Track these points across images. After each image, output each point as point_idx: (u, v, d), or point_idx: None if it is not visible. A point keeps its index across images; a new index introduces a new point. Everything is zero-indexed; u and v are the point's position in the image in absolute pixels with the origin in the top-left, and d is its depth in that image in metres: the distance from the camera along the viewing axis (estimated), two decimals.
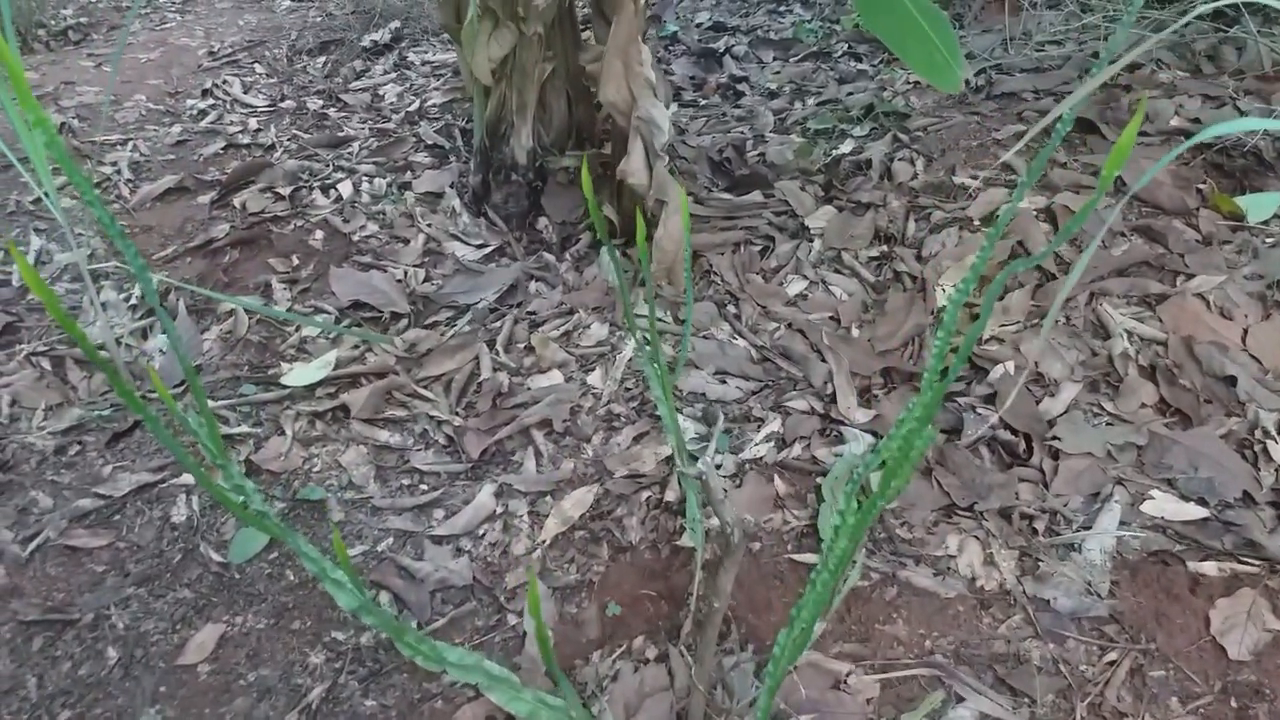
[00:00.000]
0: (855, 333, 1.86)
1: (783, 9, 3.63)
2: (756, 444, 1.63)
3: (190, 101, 3.09)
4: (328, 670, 1.37)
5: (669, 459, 1.61)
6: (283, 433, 1.77)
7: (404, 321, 2.02)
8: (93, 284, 2.17)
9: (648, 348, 1.89)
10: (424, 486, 1.65)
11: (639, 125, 1.90)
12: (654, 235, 1.99)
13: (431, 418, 1.77)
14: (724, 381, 1.78)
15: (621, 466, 1.62)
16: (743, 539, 1.07)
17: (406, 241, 2.29)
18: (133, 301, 2.13)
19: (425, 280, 2.15)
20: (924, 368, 1.73)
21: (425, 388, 1.84)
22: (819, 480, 1.55)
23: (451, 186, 2.46)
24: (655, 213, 2.00)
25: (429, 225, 2.33)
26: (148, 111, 3.04)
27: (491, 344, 1.93)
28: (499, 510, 1.57)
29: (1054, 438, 1.56)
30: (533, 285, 2.11)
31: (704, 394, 1.75)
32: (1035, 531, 1.44)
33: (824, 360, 1.79)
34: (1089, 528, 1.43)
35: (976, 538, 1.43)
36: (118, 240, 0.79)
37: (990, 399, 1.66)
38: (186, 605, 1.48)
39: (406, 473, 1.68)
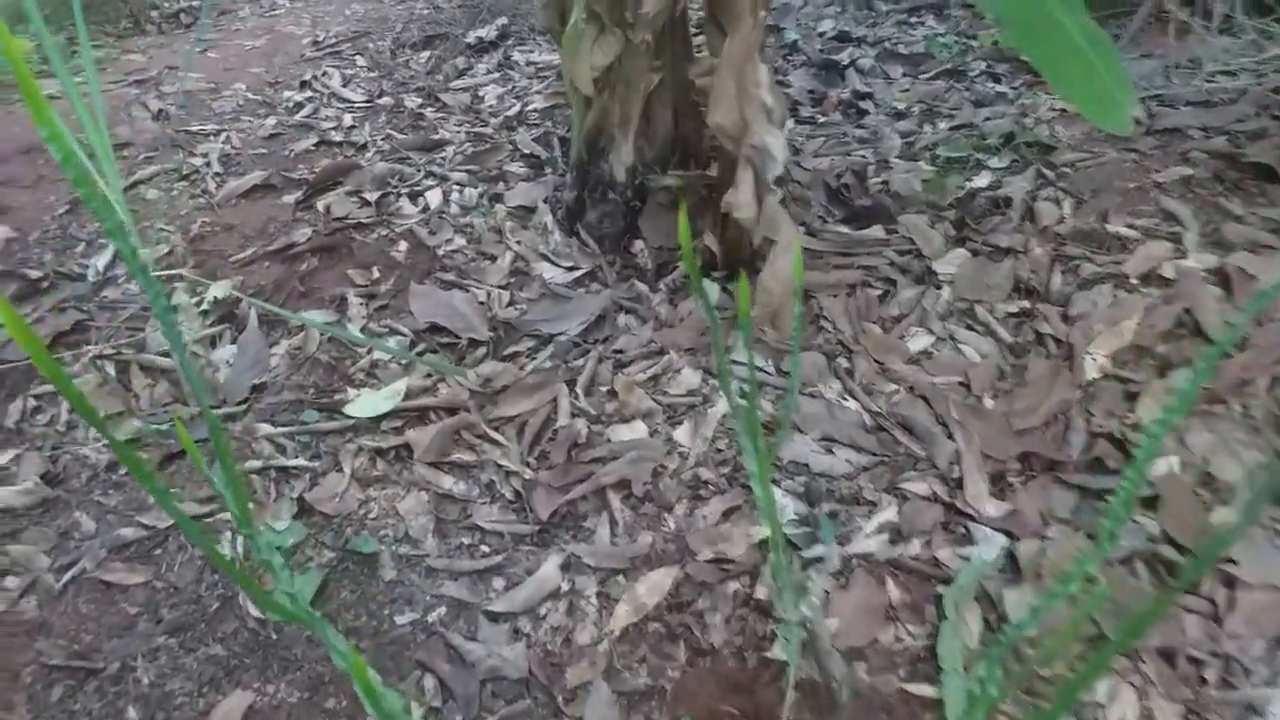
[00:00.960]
0: (989, 404, 1.61)
1: (914, 20, 3.35)
2: (867, 535, 1.41)
3: (288, 93, 3.00)
4: None
5: (763, 544, 1.40)
6: (341, 470, 1.62)
7: (482, 350, 1.86)
8: (164, 285, 2.07)
9: (742, 403, 1.69)
10: (485, 548, 1.48)
11: (750, 154, 1.69)
12: (759, 273, 1.78)
13: (500, 467, 1.59)
14: (830, 451, 1.55)
15: (706, 547, 1.41)
16: (850, 698, 0.85)
17: (493, 259, 2.13)
18: (204, 307, 2.02)
19: (509, 304, 1.99)
20: (1071, 456, 1.48)
21: (497, 429, 1.67)
22: (940, 589, 1.32)
23: (545, 201, 2.29)
24: (763, 249, 1.79)
25: (518, 242, 2.17)
26: (245, 102, 2.97)
27: (571, 384, 1.74)
28: (565, 587, 1.39)
29: (1229, 560, 1.29)
30: (622, 318, 1.92)
31: (806, 465, 1.53)
32: (1204, 681, 1.19)
33: (951, 436, 1.55)
34: (1274, 684, 1.16)
35: (1132, 684, 1.18)
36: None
37: (1150, 502, 1.40)
38: (217, 665, 1.34)
39: (468, 529, 1.51)
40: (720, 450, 1.60)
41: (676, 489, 1.53)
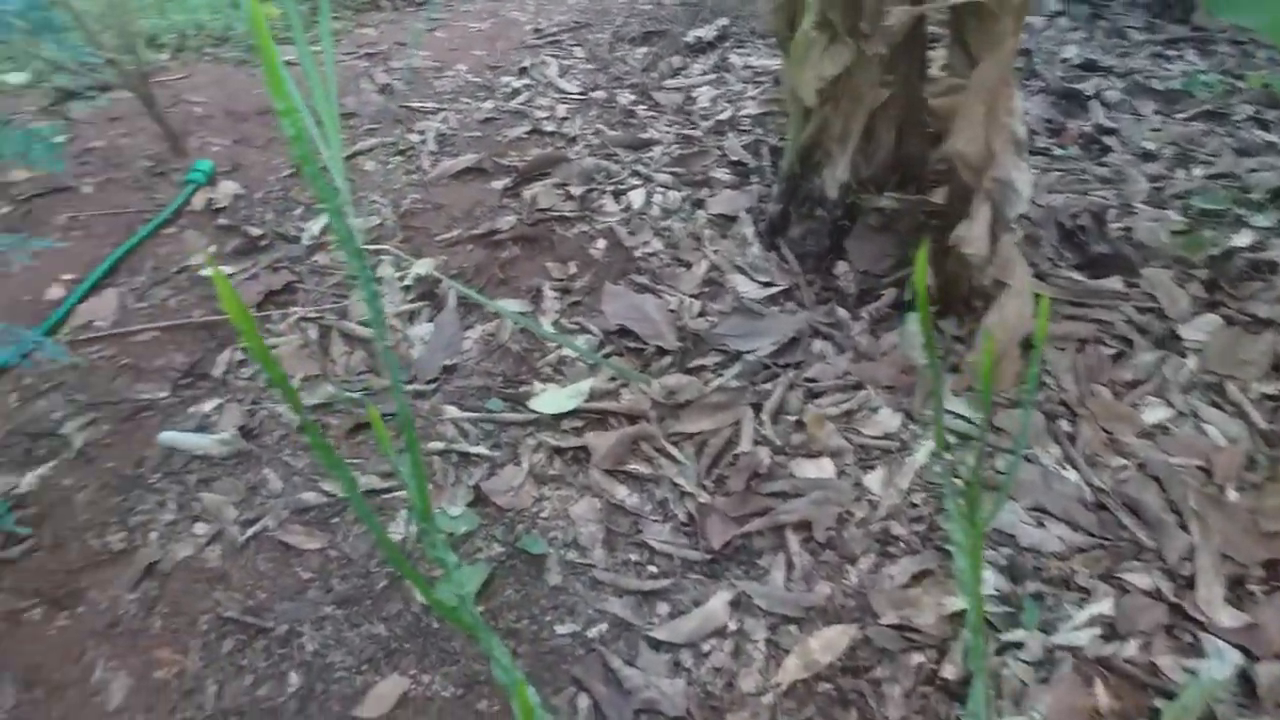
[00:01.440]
0: (1233, 496, 1.42)
1: (1172, 53, 3.06)
2: (1076, 626, 1.25)
3: (506, 79, 3.05)
4: None
5: (956, 618, 1.27)
6: (519, 463, 1.60)
7: (668, 359, 1.80)
8: (370, 258, 2.13)
9: (949, 458, 1.55)
10: (653, 568, 1.42)
11: (991, 187, 1.54)
12: (975, 313, 1.64)
13: (676, 486, 1.53)
14: (1042, 524, 1.40)
15: (891, 610, 1.30)
16: None
17: (688, 266, 2.07)
18: (407, 282, 2.06)
19: (700, 314, 1.92)
20: None
21: (676, 444, 1.61)
22: (1158, 703, 1.16)
23: (748, 212, 2.21)
24: (985, 290, 1.65)
25: (715, 251, 2.10)
26: (465, 83, 3.03)
27: (758, 408, 1.66)
28: (732, 627, 1.31)
29: None
30: (817, 344, 1.82)
31: (1013, 536, 1.38)
32: None
33: (1184, 528, 1.37)
34: None
35: None
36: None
37: None
38: (378, 645, 1.34)
39: (637, 545, 1.45)
40: (915, 506, 1.47)
41: (863, 540, 1.42)
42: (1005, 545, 1.38)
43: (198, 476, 1.62)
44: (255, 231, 2.22)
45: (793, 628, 1.30)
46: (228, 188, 2.39)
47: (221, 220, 2.29)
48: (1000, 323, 1.54)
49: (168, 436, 1.68)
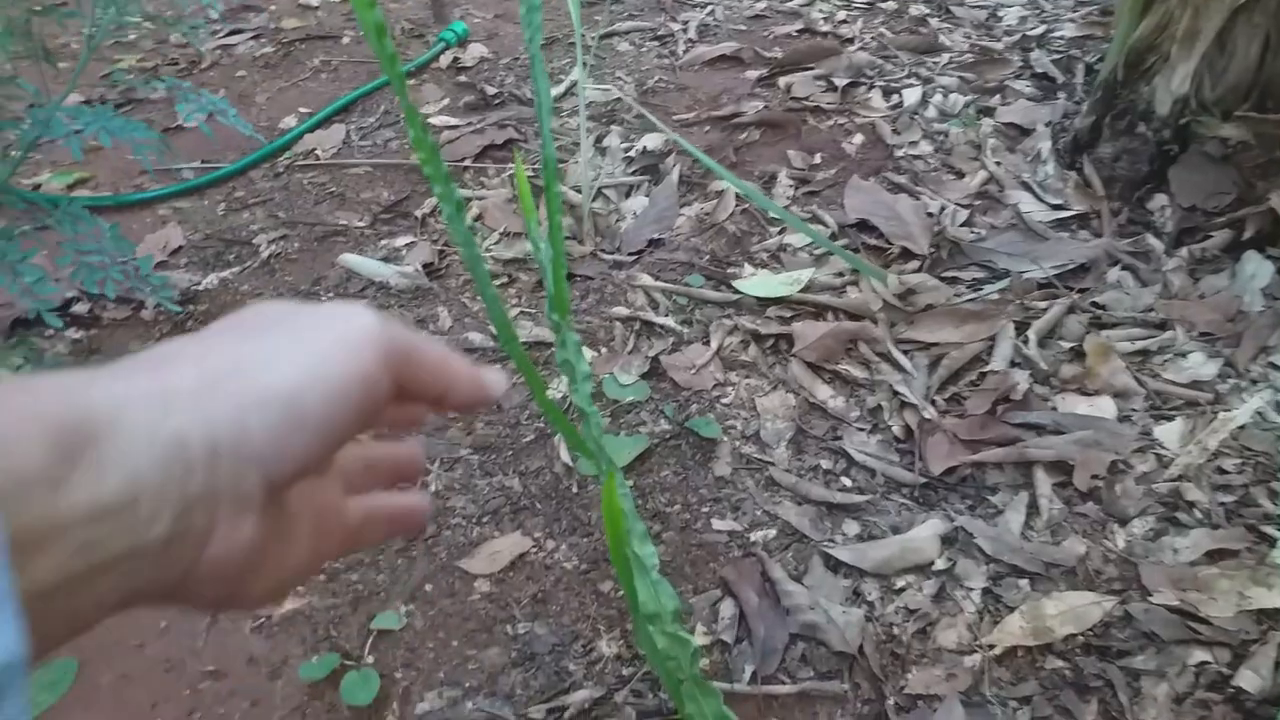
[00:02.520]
0: None
1: None
2: None
3: None
4: (608, 675, 0.93)
5: (1268, 615, 0.88)
6: (708, 342, 1.35)
7: (913, 264, 1.48)
8: (596, 127, 1.94)
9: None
10: (846, 481, 1.12)
11: None
12: None
13: (896, 395, 1.21)
14: None
15: (1169, 589, 0.93)
16: None
17: (960, 175, 1.72)
18: (631, 154, 1.86)
19: (964, 224, 1.57)
20: None
21: (905, 353, 1.29)
22: None
23: (1047, 125, 1.81)
24: None
25: (997, 163, 1.73)
26: None
27: (1021, 327, 1.30)
28: (939, 565, 0.99)
29: None
30: (1114, 273, 1.42)
31: None
32: None
33: None
34: None
35: None
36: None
37: None
38: (507, 498, 1.14)
39: (831, 452, 1.16)
40: (1224, 471, 1.07)
41: (1141, 499, 1.04)
42: None
43: (370, 301, 1.49)
44: (490, 90, 2.11)
45: (1023, 582, 0.96)
46: (476, 50, 2.30)
47: (462, 78, 2.19)
48: None
49: (350, 259, 1.58)
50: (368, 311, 0.31)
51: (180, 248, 1.64)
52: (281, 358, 0.28)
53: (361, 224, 1.69)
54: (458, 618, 1.00)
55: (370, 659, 0.96)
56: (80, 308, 1.49)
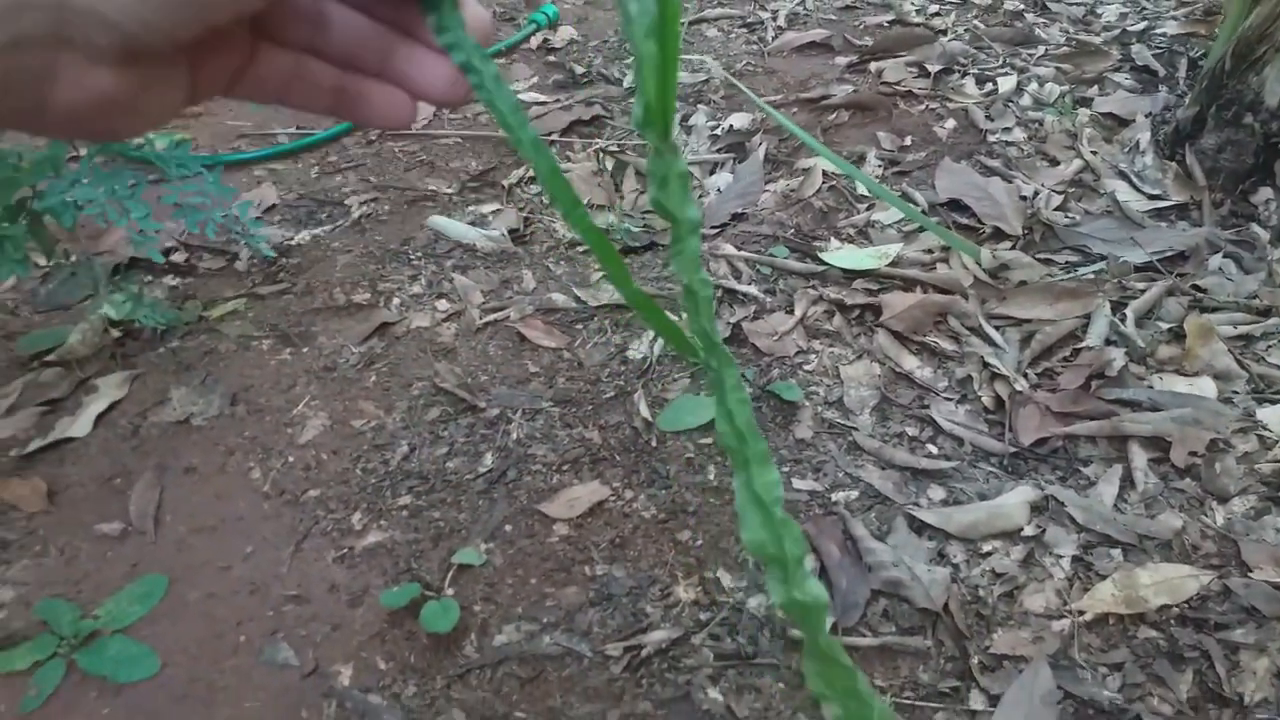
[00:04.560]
0: None
1: None
2: None
3: None
4: (685, 619, 0.93)
5: None
6: (792, 311, 1.34)
7: (1005, 244, 1.45)
8: (683, 107, 1.95)
9: None
10: (933, 448, 1.10)
11: None
12: None
13: (986, 366, 1.19)
14: None
15: (1272, 566, 0.89)
16: None
17: (1055, 162, 1.68)
18: (717, 132, 1.86)
19: (1058, 209, 1.54)
20: None
21: (997, 329, 1.26)
22: None
23: (1146, 116, 1.76)
24: None
25: (1093, 152, 1.69)
26: None
27: (1119, 307, 1.27)
28: (1028, 531, 0.96)
29: None
30: (1215, 259, 1.38)
31: None
32: None
33: None
34: None
35: None
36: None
37: None
38: (586, 449, 1.15)
39: (918, 420, 1.14)
40: None
41: (1243, 478, 1.01)
42: None
43: (455, 262, 1.52)
44: (579, 69, 2.13)
45: (1115, 552, 0.93)
46: (566, 32, 2.33)
47: (551, 59, 2.22)
48: None
49: (438, 221, 1.60)
50: None
51: (274, 205, 1.69)
52: None
53: (450, 190, 1.72)
54: (536, 557, 1.01)
55: (450, 591, 0.98)
56: (178, 257, 1.55)
